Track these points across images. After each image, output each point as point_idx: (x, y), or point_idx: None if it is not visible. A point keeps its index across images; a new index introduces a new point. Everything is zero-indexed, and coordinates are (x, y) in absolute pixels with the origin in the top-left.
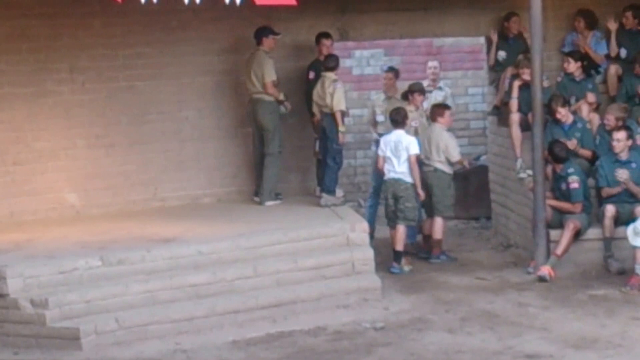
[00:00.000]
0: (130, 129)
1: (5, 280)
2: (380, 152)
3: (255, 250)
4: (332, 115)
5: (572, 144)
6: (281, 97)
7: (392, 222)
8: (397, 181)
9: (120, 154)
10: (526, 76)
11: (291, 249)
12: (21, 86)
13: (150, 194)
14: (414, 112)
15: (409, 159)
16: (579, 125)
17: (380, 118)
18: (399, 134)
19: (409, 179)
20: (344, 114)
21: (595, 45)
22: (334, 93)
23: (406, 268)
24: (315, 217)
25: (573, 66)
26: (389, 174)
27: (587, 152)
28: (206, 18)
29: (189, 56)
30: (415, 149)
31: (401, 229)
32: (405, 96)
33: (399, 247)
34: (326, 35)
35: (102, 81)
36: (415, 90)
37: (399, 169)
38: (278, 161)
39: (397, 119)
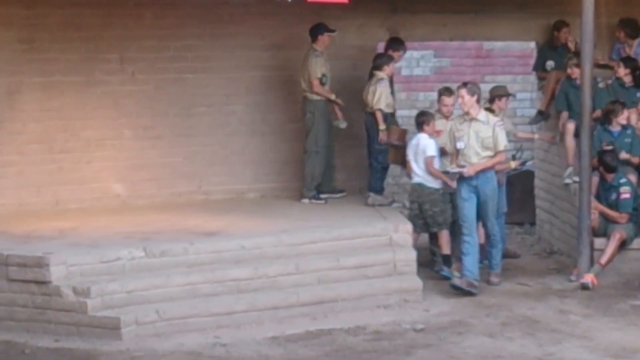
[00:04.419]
0: (178, 121)
1: (49, 267)
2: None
3: (297, 247)
4: (373, 114)
5: (623, 156)
6: (332, 96)
7: (417, 227)
8: (420, 186)
9: (167, 146)
10: (575, 75)
11: (334, 247)
12: (71, 75)
13: (195, 186)
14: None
15: (425, 161)
16: (629, 131)
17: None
18: (419, 137)
19: (431, 184)
20: (385, 114)
21: None
22: (376, 91)
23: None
24: (359, 217)
25: (622, 71)
26: (414, 178)
27: (636, 160)
28: (257, 13)
29: (239, 50)
30: (430, 152)
31: (443, 234)
32: (492, 101)
33: (446, 250)
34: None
35: (152, 72)
36: (501, 95)
37: (419, 172)
38: (315, 160)
39: (418, 121)
